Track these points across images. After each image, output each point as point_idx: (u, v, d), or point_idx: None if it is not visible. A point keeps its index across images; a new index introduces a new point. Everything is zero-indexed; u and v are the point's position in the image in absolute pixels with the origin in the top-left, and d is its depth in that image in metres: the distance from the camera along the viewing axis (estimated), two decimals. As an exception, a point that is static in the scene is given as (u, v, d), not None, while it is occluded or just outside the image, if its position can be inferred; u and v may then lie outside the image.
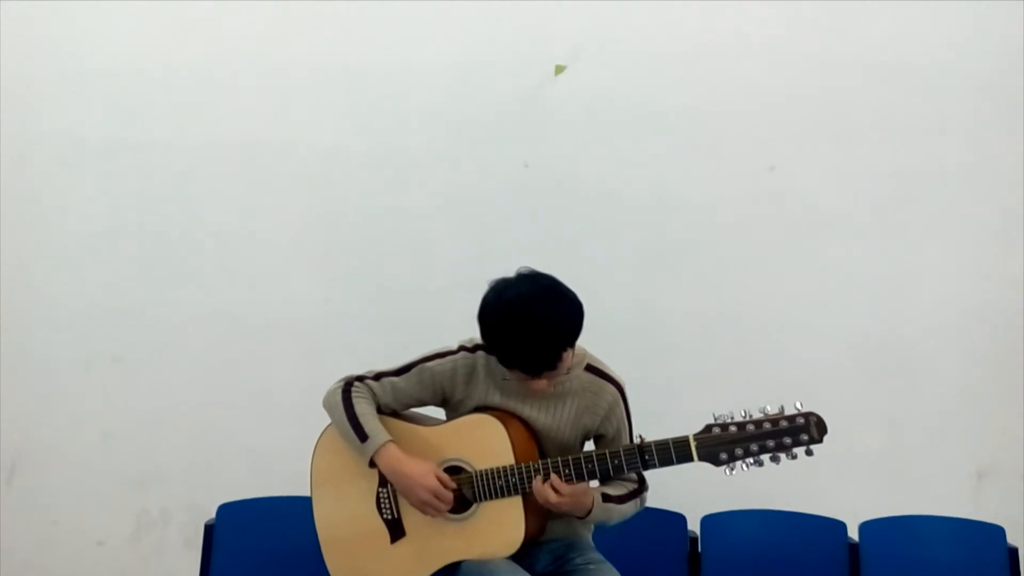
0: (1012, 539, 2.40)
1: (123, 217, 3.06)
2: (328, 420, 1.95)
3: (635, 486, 1.91)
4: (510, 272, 1.86)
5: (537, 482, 1.78)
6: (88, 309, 3.05)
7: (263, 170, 3.05)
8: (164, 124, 3.06)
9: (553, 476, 1.77)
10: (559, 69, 3.05)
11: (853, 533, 2.38)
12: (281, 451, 2.72)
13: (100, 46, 3.07)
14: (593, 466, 1.80)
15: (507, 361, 1.78)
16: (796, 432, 1.71)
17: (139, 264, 3.06)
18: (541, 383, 1.80)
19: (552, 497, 1.76)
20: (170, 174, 3.06)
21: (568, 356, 1.79)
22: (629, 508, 1.89)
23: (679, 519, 2.39)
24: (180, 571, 2.72)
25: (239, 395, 3.01)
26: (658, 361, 2.94)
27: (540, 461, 1.82)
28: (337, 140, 3.05)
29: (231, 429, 3.00)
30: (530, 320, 1.73)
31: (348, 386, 1.92)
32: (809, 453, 1.72)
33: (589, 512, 1.83)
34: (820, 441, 1.72)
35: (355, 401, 1.89)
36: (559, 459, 1.81)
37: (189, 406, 3.01)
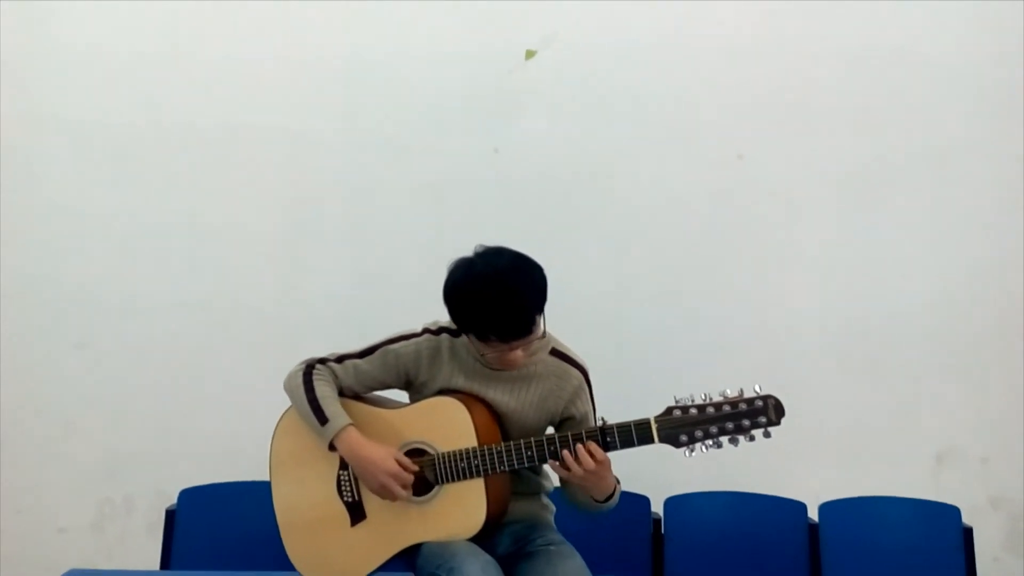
0: (968, 519, 2.45)
1: (87, 202, 3.02)
2: (289, 403, 1.94)
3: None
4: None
5: (579, 449, 1.74)
6: (50, 295, 3.01)
7: (231, 156, 3.03)
8: (131, 108, 3.02)
9: (590, 443, 1.75)
10: (530, 54, 3.04)
11: (814, 514, 2.41)
12: (246, 437, 2.68)
13: (71, 27, 3.02)
14: (555, 448, 1.80)
15: (483, 334, 1.78)
16: (755, 415, 1.73)
17: (103, 250, 3.02)
18: (518, 354, 1.80)
19: (589, 464, 1.73)
20: (137, 160, 3.02)
21: (541, 321, 1.80)
22: (618, 496, 1.90)
23: (643, 501, 2.41)
24: (143, 558, 2.70)
25: (204, 381, 2.99)
26: (629, 346, 2.96)
27: (503, 444, 1.82)
28: (307, 126, 3.03)
29: (195, 416, 2.98)
30: (504, 289, 1.75)
31: (309, 368, 1.90)
32: (767, 435, 1.74)
33: (611, 495, 1.83)
34: (778, 424, 1.73)
35: (316, 384, 1.87)
36: (522, 441, 1.82)
37: (153, 393, 2.99)
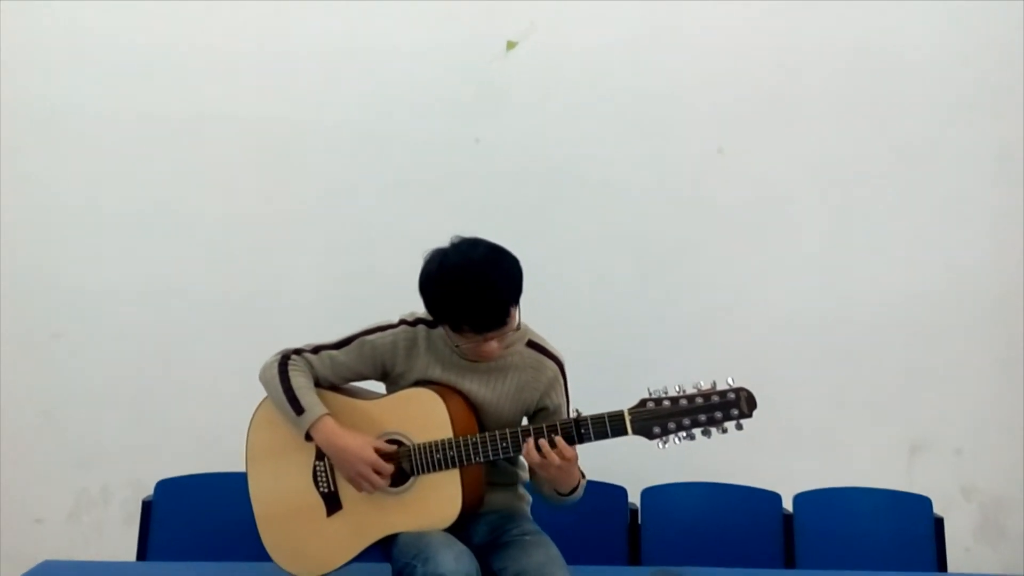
0: (941, 510, 2.49)
1: (62, 191, 2.99)
2: (265, 394, 1.93)
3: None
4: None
5: (535, 445, 1.75)
6: (26, 285, 2.98)
7: (209, 146, 3.01)
8: (105, 97, 2.99)
9: (559, 440, 1.75)
10: (510, 45, 3.04)
11: (788, 504, 2.44)
12: (224, 428, 2.68)
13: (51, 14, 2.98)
14: (532, 438, 1.79)
15: (457, 325, 1.78)
16: (727, 407, 1.74)
17: (78, 239, 3.00)
18: (493, 345, 1.80)
19: (555, 460, 1.74)
20: (112, 147, 3.00)
21: (515, 312, 1.81)
22: (582, 489, 1.91)
23: (620, 492, 2.43)
24: (120, 548, 2.68)
25: (180, 372, 2.98)
26: (606, 338, 2.97)
27: (479, 435, 1.83)
28: (286, 116, 3.01)
29: (172, 407, 2.97)
30: (478, 281, 1.75)
31: (285, 359, 1.90)
32: (739, 428, 1.75)
33: (576, 489, 1.84)
34: (750, 416, 1.75)
35: (292, 374, 1.87)
36: (497, 432, 1.82)
37: (129, 383, 2.98)
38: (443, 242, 1.86)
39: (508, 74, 3.02)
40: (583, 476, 1.90)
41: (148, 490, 2.44)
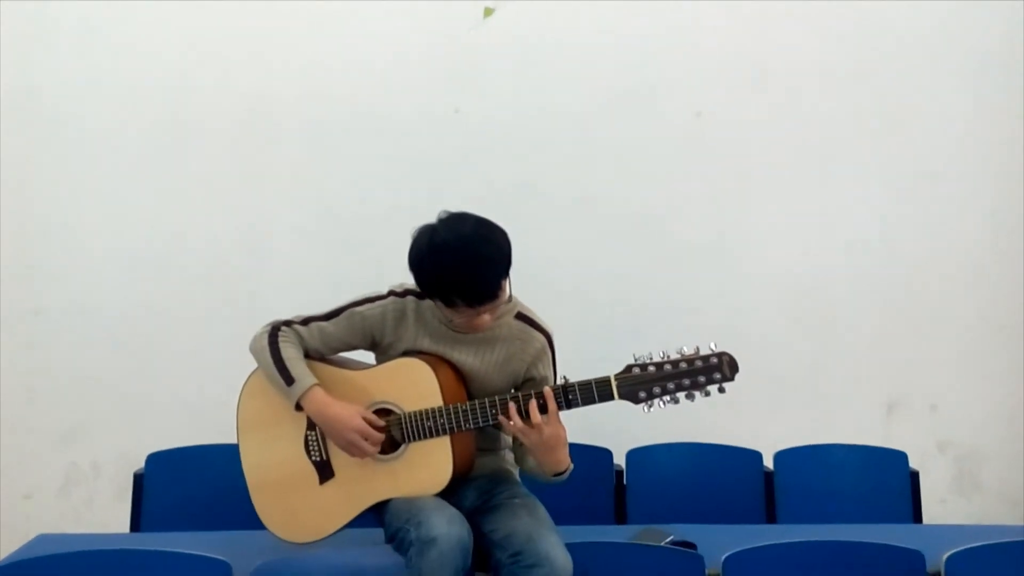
0: (917, 464, 2.56)
1: (41, 165, 2.96)
2: (255, 366, 1.95)
3: None
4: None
5: (521, 409, 1.79)
6: (6, 261, 2.95)
7: (188, 116, 2.97)
8: (85, 71, 2.94)
9: (532, 401, 1.78)
10: (488, 12, 3.02)
11: (769, 462, 2.51)
12: (213, 401, 2.70)
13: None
14: (519, 404, 1.83)
15: (450, 300, 1.80)
16: (710, 371, 1.78)
17: (58, 213, 2.97)
18: (485, 318, 1.83)
19: (536, 418, 1.77)
20: (92, 120, 2.96)
21: (506, 285, 1.84)
22: (566, 476, 1.92)
23: (606, 454, 2.48)
24: (111, 522, 2.71)
25: (166, 345, 2.98)
26: (590, 306, 3.01)
27: (468, 403, 1.86)
28: (264, 87, 2.99)
29: (159, 380, 2.98)
30: (469, 256, 1.77)
31: (275, 330, 1.91)
32: (722, 391, 1.80)
33: (561, 473, 1.86)
34: (732, 379, 1.79)
35: (282, 345, 1.89)
36: (486, 400, 1.85)
37: (114, 357, 2.98)
38: (426, 211, 1.86)
39: (486, 41, 3.00)
40: (571, 464, 1.91)
41: (137, 464, 2.45)
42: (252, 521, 1.98)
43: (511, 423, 1.81)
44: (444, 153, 3.00)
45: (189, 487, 2.33)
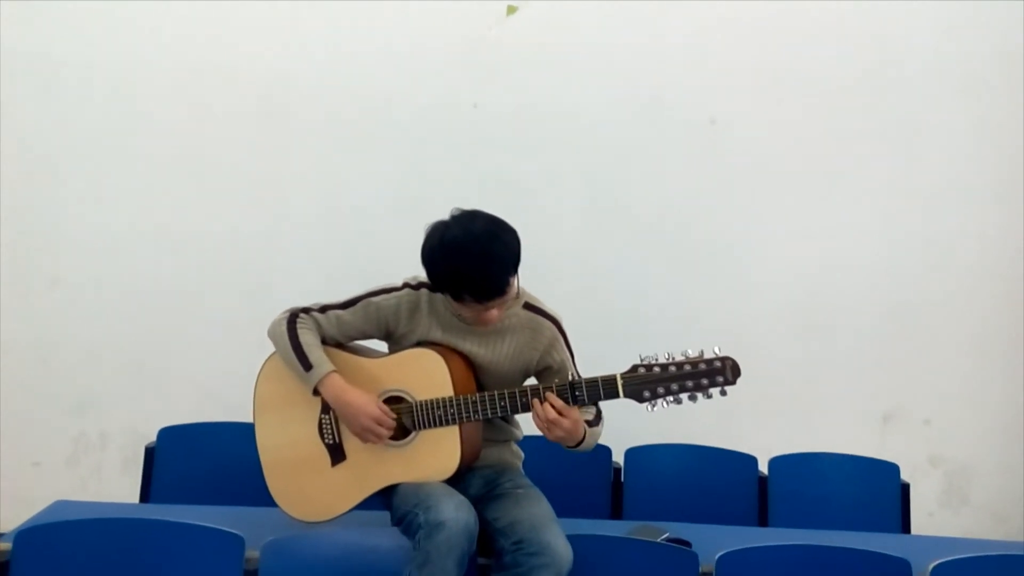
0: (908, 476, 2.61)
1: (59, 138, 3.00)
2: (272, 349, 2.00)
3: (596, 411, 2.01)
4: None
5: (536, 404, 1.84)
6: (24, 231, 3.00)
7: (212, 97, 3.02)
8: (106, 43, 2.99)
9: (551, 395, 1.84)
10: (511, 10, 3.06)
11: (764, 467, 2.56)
12: (223, 380, 2.76)
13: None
14: (527, 399, 1.89)
15: (459, 295, 1.85)
16: (713, 374, 1.83)
17: (78, 186, 3.02)
18: (493, 313, 1.88)
19: (552, 415, 1.83)
20: (114, 94, 3.00)
21: (514, 281, 1.89)
22: (599, 430, 1.99)
23: (605, 451, 2.52)
24: (117, 492, 2.75)
25: (181, 322, 3.03)
26: (599, 305, 3.05)
27: (478, 394, 1.92)
28: (286, 74, 3.03)
29: (170, 356, 3.03)
30: (479, 254, 1.82)
31: (294, 317, 1.97)
32: (724, 394, 1.84)
33: (582, 441, 1.91)
34: (734, 383, 1.84)
35: (300, 332, 1.94)
36: (496, 392, 1.91)
37: (127, 331, 3.03)
38: (442, 205, 1.92)
39: (508, 39, 3.04)
40: (600, 415, 1.98)
41: (146, 437, 2.49)
42: (259, 499, 2.03)
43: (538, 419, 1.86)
44: (461, 147, 3.04)
45: (199, 462, 2.37)
